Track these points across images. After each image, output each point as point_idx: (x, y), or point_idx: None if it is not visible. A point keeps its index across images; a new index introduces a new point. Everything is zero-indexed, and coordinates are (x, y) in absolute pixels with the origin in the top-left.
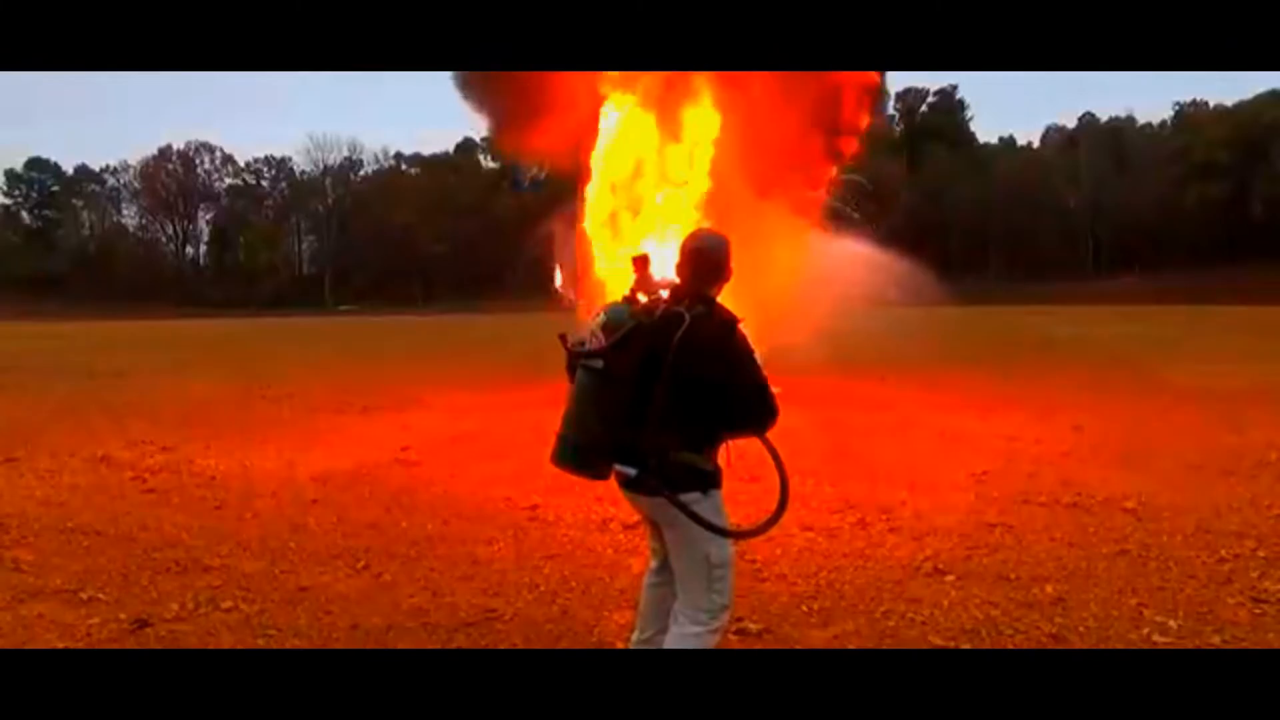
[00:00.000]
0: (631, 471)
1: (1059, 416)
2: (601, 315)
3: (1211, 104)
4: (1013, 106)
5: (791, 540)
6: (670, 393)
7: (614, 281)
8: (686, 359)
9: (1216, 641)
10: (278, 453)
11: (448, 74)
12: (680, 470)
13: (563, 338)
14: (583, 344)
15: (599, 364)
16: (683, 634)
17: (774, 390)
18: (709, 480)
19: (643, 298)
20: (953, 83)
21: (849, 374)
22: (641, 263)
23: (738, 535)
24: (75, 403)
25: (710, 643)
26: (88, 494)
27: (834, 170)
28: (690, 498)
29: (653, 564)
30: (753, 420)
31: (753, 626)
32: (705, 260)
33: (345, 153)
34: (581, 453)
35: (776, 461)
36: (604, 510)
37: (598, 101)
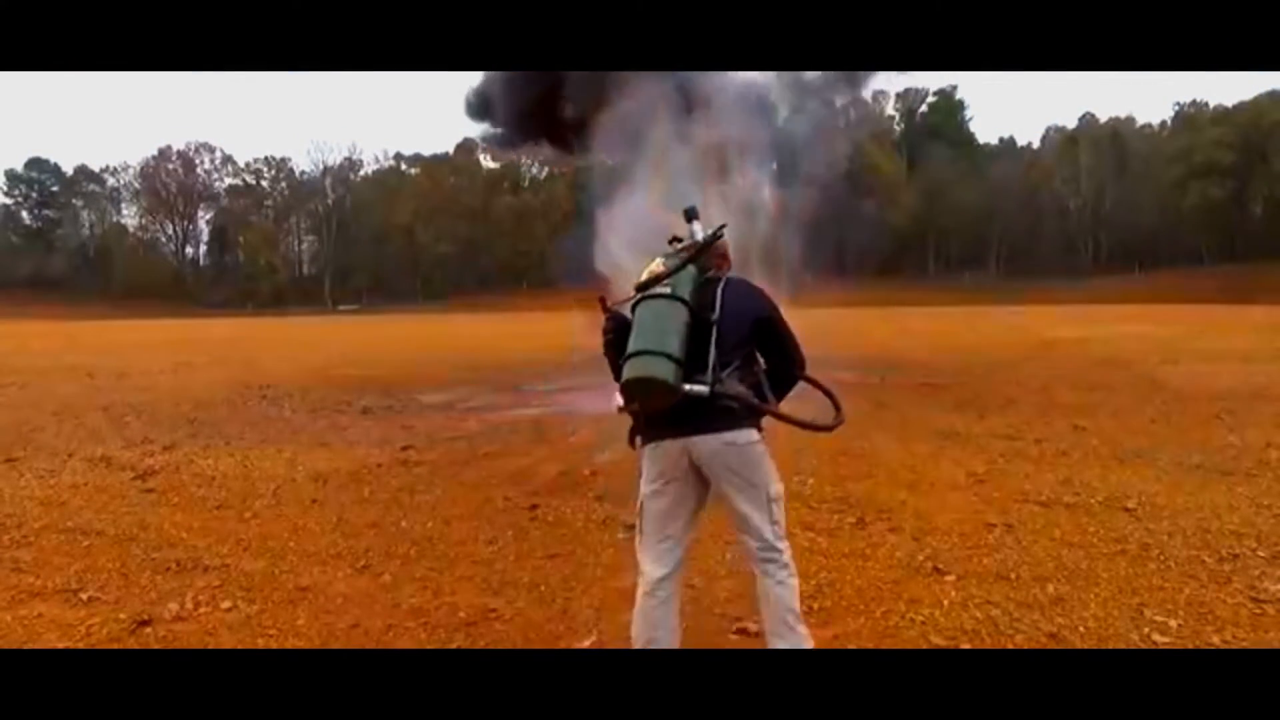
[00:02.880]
0: (704, 389)
1: (1059, 416)
2: (659, 259)
3: (1211, 104)
4: (1013, 107)
5: (791, 540)
6: (723, 333)
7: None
8: (735, 306)
9: (1216, 641)
10: (278, 453)
11: (448, 74)
12: (742, 399)
13: (603, 300)
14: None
15: (668, 290)
16: (787, 587)
17: None
18: (758, 417)
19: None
20: (953, 83)
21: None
22: (693, 215)
23: (813, 428)
24: (75, 403)
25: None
26: (88, 494)
27: None
28: (751, 435)
29: (657, 573)
30: (792, 359)
31: (753, 627)
32: (719, 244)
33: (345, 153)
34: (663, 364)
35: (818, 384)
36: (604, 510)
37: None
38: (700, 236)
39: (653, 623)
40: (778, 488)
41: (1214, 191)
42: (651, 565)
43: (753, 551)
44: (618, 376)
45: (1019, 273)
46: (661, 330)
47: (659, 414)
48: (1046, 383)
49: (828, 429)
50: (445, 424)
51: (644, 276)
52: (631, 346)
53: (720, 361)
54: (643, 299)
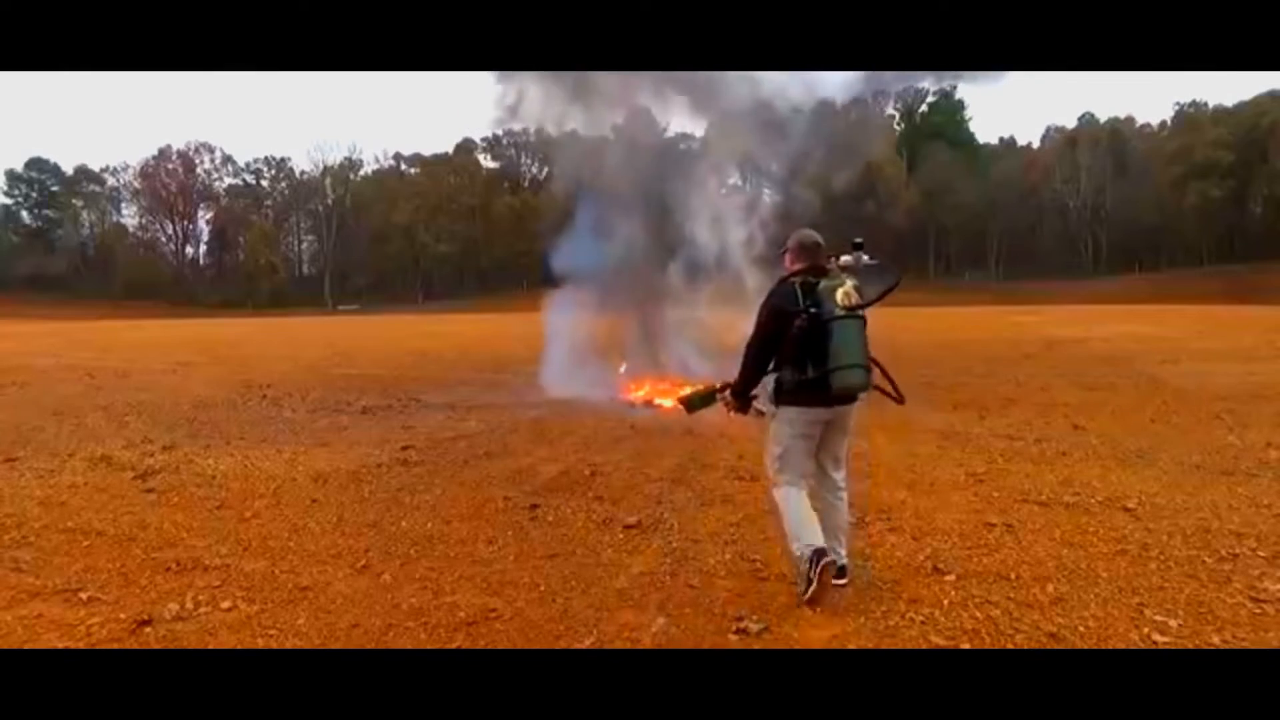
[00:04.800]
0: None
1: (1059, 416)
2: (850, 281)
3: (1211, 104)
4: (1013, 107)
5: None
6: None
7: None
8: (864, 307)
9: (1216, 641)
10: (278, 453)
11: (448, 74)
12: (878, 385)
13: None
14: (836, 303)
15: (861, 313)
16: (845, 504)
17: None
18: None
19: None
20: (953, 83)
21: None
22: (859, 246)
23: (899, 397)
24: (75, 403)
25: None
26: (88, 494)
27: None
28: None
29: (807, 487)
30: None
31: (753, 626)
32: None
33: (345, 153)
34: (864, 374)
35: (879, 367)
36: (604, 510)
37: None
38: (865, 261)
39: (817, 517)
40: None
41: (1214, 191)
42: (797, 478)
43: (832, 481)
44: (772, 353)
45: (1019, 273)
46: (860, 346)
47: (817, 388)
48: (1047, 383)
49: (902, 400)
50: (445, 424)
51: (840, 299)
52: (848, 359)
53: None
54: (845, 317)
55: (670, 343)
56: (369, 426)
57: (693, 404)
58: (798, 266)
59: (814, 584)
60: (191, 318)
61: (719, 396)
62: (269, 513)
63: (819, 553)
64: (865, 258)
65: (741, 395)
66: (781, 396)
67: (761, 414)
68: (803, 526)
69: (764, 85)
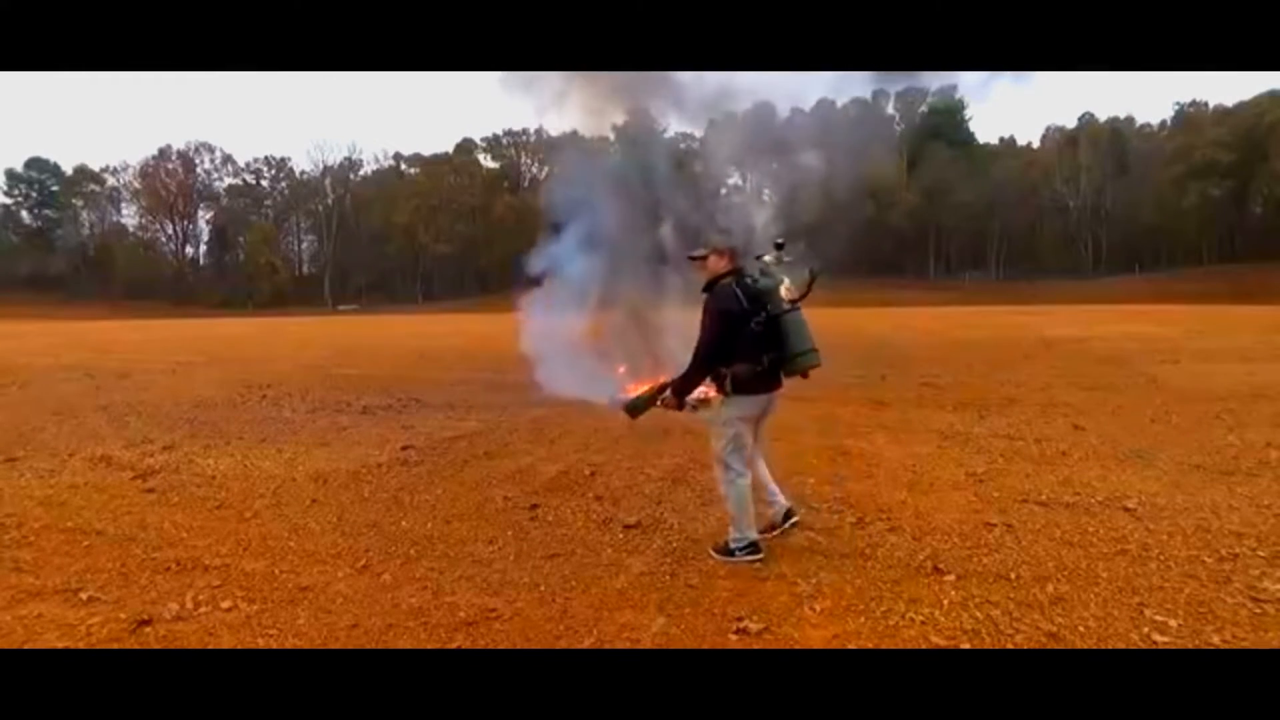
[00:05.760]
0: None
1: (1059, 416)
2: (786, 279)
3: (1211, 104)
4: (1013, 107)
5: (791, 540)
6: None
7: None
8: (801, 299)
9: (1216, 641)
10: (278, 453)
11: (448, 74)
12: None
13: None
14: (782, 299)
15: (799, 305)
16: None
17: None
18: None
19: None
20: (953, 83)
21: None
22: (781, 246)
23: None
24: (75, 403)
25: None
26: (88, 494)
27: None
28: None
29: (747, 468)
30: None
31: (753, 626)
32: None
33: (345, 153)
34: (818, 356)
35: None
36: (604, 510)
37: None
38: (784, 259)
39: (759, 477)
40: None
41: (1214, 191)
42: (745, 468)
43: (760, 446)
44: (726, 352)
45: (1019, 273)
46: (808, 332)
47: (766, 376)
48: (1047, 383)
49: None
50: (445, 424)
51: (785, 293)
52: (802, 345)
53: None
54: (792, 310)
55: (669, 341)
56: (369, 426)
57: (637, 409)
58: (722, 269)
59: (733, 560)
60: (191, 318)
61: (660, 399)
62: (269, 513)
63: (754, 546)
64: (785, 256)
65: (683, 395)
66: (737, 387)
67: (695, 409)
68: (746, 516)
69: (764, 85)
